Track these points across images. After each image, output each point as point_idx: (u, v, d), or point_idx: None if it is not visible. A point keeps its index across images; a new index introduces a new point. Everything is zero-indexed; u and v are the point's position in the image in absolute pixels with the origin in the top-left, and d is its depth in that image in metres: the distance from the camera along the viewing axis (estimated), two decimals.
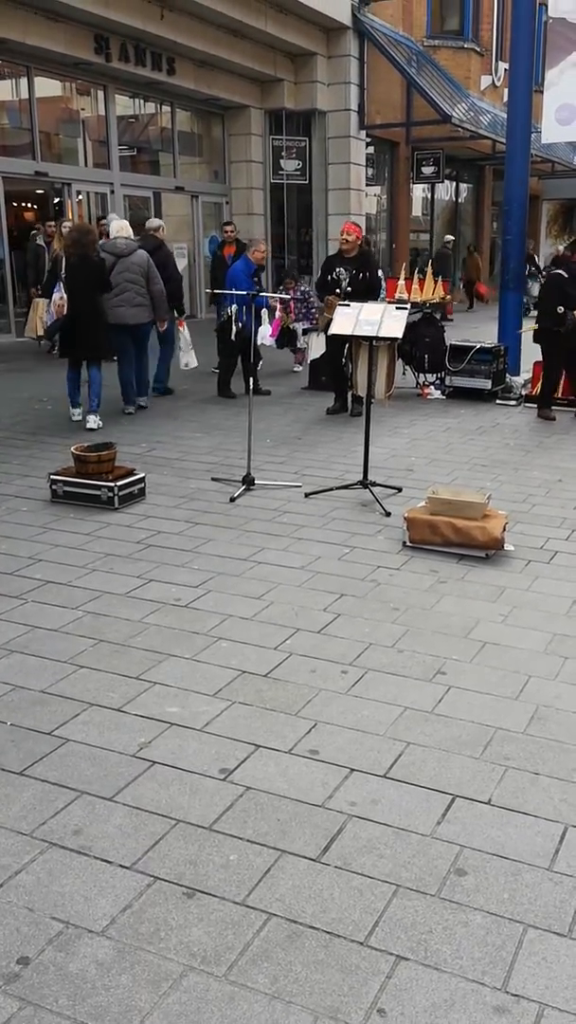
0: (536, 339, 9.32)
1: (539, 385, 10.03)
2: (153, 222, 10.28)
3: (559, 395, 9.80)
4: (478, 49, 23.34)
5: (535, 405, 9.69)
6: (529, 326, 9.64)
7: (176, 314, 9.64)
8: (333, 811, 2.80)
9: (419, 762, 3.06)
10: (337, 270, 8.85)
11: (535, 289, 16.37)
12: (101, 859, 2.57)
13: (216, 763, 3.04)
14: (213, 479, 6.64)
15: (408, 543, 5.24)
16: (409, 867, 2.55)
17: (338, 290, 8.71)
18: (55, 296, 9.46)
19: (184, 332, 9.83)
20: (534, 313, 9.79)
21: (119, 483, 5.93)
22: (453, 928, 2.33)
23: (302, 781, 2.95)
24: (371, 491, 6.18)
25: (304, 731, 3.25)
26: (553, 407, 9.36)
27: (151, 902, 2.41)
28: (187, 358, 9.95)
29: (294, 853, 2.60)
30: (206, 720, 3.31)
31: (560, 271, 9.09)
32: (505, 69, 20.68)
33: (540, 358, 10.09)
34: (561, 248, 21.70)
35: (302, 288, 11.70)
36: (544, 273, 20.70)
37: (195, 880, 2.49)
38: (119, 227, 9.00)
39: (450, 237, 22.17)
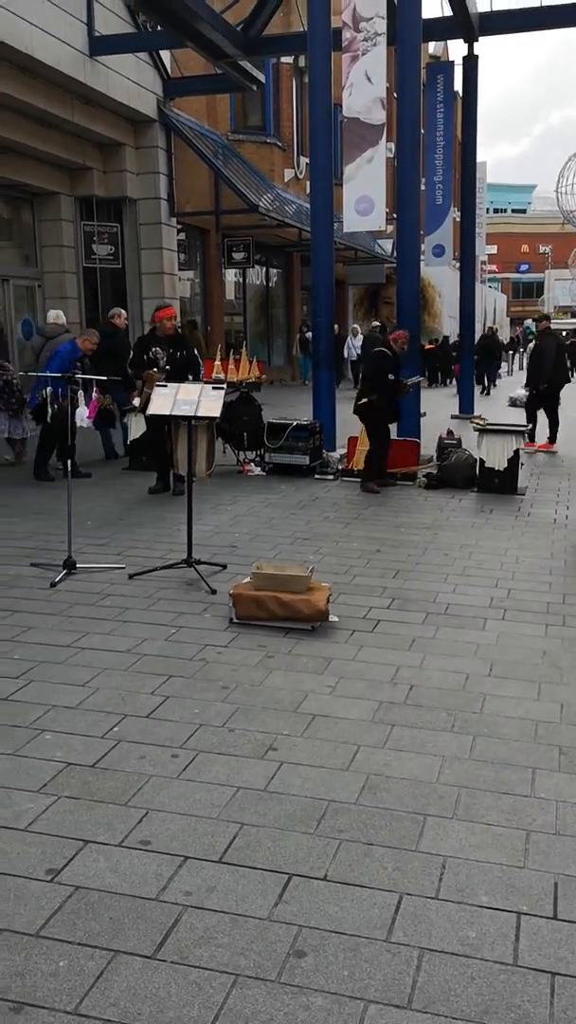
0: (363, 416, 9.71)
1: (355, 459, 10.39)
2: (112, 311, 11.53)
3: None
4: (280, 144, 24.50)
5: (355, 479, 10.02)
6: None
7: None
8: (168, 903, 2.70)
9: (254, 843, 3.01)
10: (154, 349, 8.97)
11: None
12: None
13: (42, 864, 2.88)
14: (33, 564, 6.44)
15: (235, 619, 5.24)
16: (247, 954, 2.48)
17: (156, 368, 8.81)
18: None
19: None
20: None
21: None
22: (294, 1013, 2.27)
23: (134, 875, 2.84)
24: (196, 569, 6.16)
25: (135, 821, 3.14)
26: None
27: None
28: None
29: (128, 952, 2.49)
30: (30, 819, 3.14)
31: (385, 350, 9.65)
32: (306, 163, 21.79)
33: (354, 433, 10.48)
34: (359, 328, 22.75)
35: (4, 377, 10.67)
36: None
37: (22, 993, 2.33)
38: (53, 316, 10.83)
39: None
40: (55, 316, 10.82)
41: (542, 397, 12.90)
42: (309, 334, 23.79)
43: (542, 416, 13.02)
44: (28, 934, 2.55)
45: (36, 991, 2.34)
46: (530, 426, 12.06)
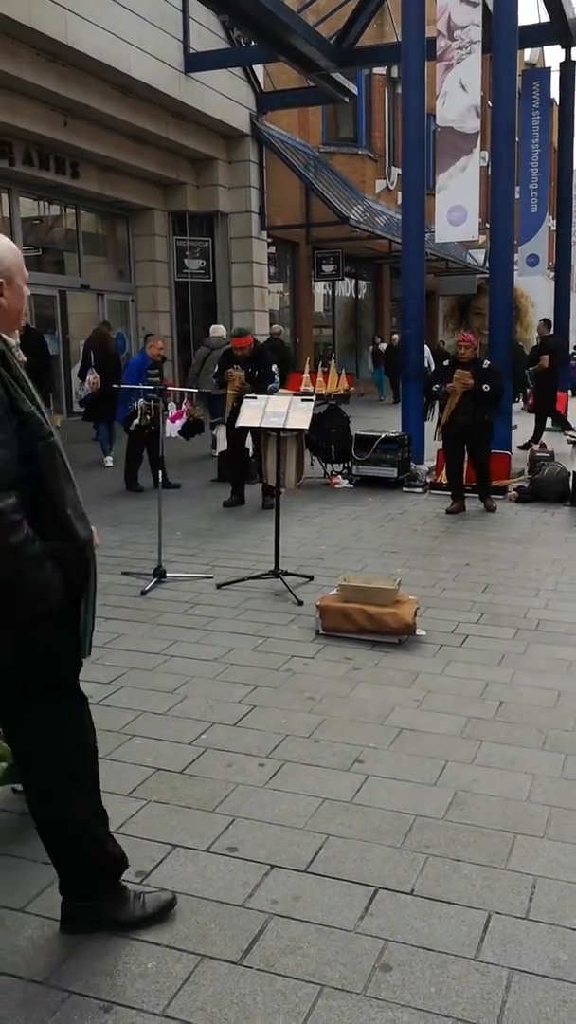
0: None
1: (442, 472, 10.24)
2: (275, 328, 14.32)
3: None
4: (372, 155, 24.52)
5: (444, 492, 9.83)
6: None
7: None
8: (254, 910, 2.72)
9: (340, 854, 3.01)
10: (235, 365, 9.10)
11: None
12: (10, 975, 2.44)
13: (132, 866, 2.92)
14: (124, 573, 6.57)
15: (321, 631, 5.25)
16: (333, 965, 2.48)
17: (236, 367, 8.99)
18: (89, 376, 11.29)
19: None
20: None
21: None
22: None
23: (221, 880, 2.86)
24: (283, 580, 6.19)
25: (222, 828, 3.17)
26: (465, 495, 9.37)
27: (66, 1019, 2.28)
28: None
29: (215, 957, 2.51)
30: (120, 821, 3.20)
31: (444, 363, 9.50)
32: (398, 174, 21.76)
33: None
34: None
35: None
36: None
37: (112, 992, 2.37)
38: (216, 330, 12.92)
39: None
40: (218, 330, 12.87)
41: None
42: (383, 345, 23.49)
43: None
44: (119, 935, 2.60)
45: (125, 991, 2.38)
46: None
